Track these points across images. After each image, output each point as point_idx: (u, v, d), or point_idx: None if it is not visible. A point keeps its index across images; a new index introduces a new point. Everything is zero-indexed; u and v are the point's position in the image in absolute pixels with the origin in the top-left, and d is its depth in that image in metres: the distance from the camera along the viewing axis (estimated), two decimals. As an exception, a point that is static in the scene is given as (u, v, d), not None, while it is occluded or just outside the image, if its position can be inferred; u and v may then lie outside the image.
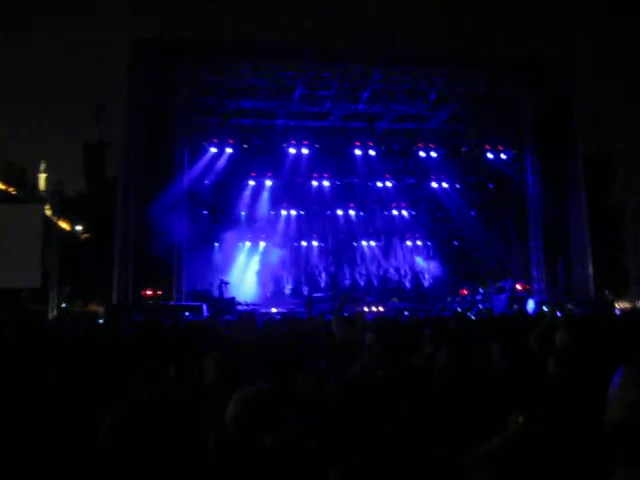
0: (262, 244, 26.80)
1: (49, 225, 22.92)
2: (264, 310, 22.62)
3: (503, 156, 24.86)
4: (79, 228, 28.53)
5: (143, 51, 20.64)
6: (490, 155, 24.99)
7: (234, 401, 2.80)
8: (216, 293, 22.82)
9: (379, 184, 26.57)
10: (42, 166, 48.02)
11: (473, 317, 17.09)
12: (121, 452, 1.97)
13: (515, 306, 20.48)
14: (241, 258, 26.34)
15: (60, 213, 24.60)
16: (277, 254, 26.52)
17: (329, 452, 2.39)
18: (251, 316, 11.32)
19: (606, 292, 25.81)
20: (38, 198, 33.56)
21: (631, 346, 4.72)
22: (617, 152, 26.11)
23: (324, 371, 3.33)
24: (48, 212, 24.08)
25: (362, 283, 27.44)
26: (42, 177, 47.41)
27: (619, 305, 23.13)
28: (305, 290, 26.45)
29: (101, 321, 15.27)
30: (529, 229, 23.57)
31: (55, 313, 20.90)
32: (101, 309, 20.77)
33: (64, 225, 27.22)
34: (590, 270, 22.43)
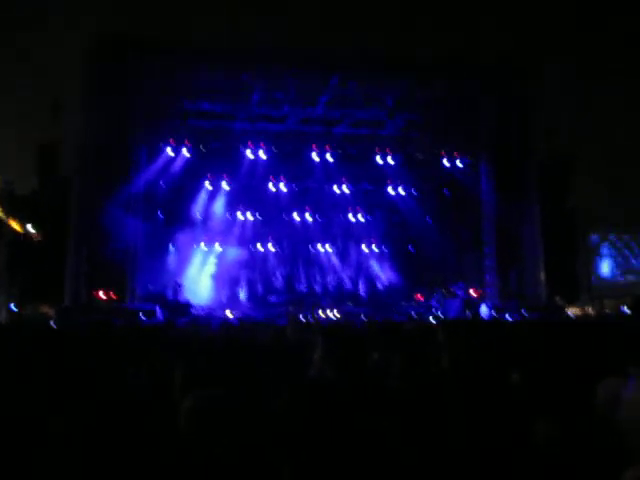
0: (217, 247, 26.66)
1: (-1, 225, 22.48)
2: (219, 313, 22.53)
3: (459, 163, 25.13)
4: (30, 228, 28.00)
5: (100, 48, 20.40)
6: (446, 162, 25.24)
7: (186, 403, 2.79)
8: (170, 296, 22.62)
9: (336, 189, 26.62)
10: (-7, 165, 46.98)
11: (432, 320, 17.30)
12: (79, 452, 1.95)
13: (468, 311, 20.76)
14: (196, 261, 26.15)
15: (11, 213, 24.13)
16: (234, 253, 26.37)
17: (281, 459, 2.39)
18: (206, 320, 11.28)
19: (557, 298, 26.28)
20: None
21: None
22: (571, 159, 26.58)
23: (276, 377, 3.34)
24: (-2, 212, 23.61)
25: (318, 287, 27.48)
26: (-7, 176, 46.34)
27: (570, 311, 23.58)
28: (260, 294, 26.41)
29: (52, 323, 15.02)
30: (483, 235, 23.92)
31: (4, 315, 20.50)
32: (52, 311, 20.44)
33: (15, 225, 26.70)
34: (542, 276, 22.86)
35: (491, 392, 3.45)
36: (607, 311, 24.09)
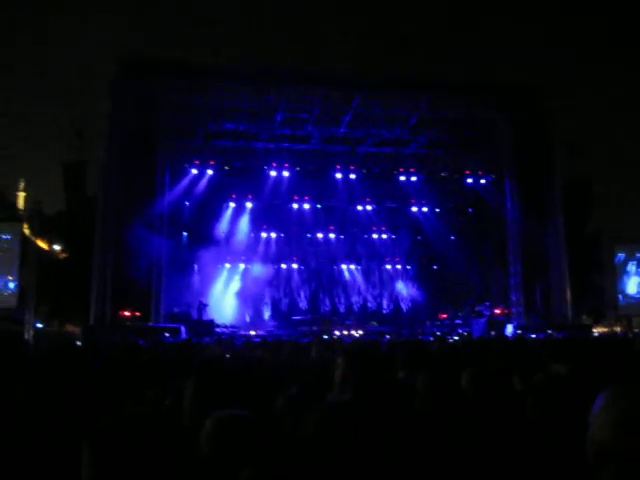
0: (242, 266, 26.74)
1: (27, 244, 22.74)
2: (243, 332, 22.56)
3: (482, 181, 25.06)
4: (57, 247, 28.33)
5: (126, 71, 20.67)
6: (470, 180, 25.18)
7: (208, 425, 2.79)
8: (195, 315, 22.68)
9: (359, 208, 26.68)
10: (21, 184, 47.65)
11: (457, 338, 17.15)
12: (98, 470, 1.96)
13: (492, 332, 20.56)
14: (220, 280, 26.23)
15: (39, 232, 24.45)
16: (258, 271, 26.41)
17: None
18: (230, 339, 11.29)
19: (584, 317, 26.00)
20: (17, 217, 33.30)
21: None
22: (596, 177, 26.41)
23: (298, 397, 3.34)
24: (26, 231, 23.91)
25: (342, 307, 27.45)
26: (21, 196, 46.99)
27: (597, 330, 23.31)
28: (284, 312, 26.43)
29: (78, 343, 15.13)
30: (508, 254, 23.74)
31: (31, 333, 20.68)
32: (78, 330, 20.59)
33: (42, 244, 27.04)
34: (568, 295, 22.61)
35: (505, 414, 3.43)
36: (636, 330, 23.71)
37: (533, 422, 3.30)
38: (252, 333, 22.43)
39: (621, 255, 26.69)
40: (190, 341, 14.47)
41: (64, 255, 28.17)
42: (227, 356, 8.82)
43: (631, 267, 26.53)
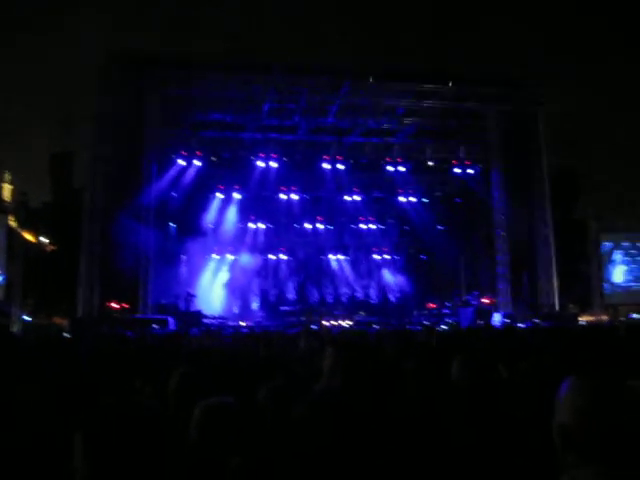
0: (229, 257, 26.70)
1: (13, 236, 22.62)
2: (231, 323, 22.55)
3: (470, 171, 25.10)
4: (44, 240, 28.17)
5: (113, 62, 20.55)
6: (457, 170, 25.22)
7: (197, 413, 2.79)
8: (183, 306, 22.65)
9: (347, 198, 26.65)
10: (7, 177, 47.22)
11: (445, 327, 17.22)
12: (92, 460, 1.95)
13: (480, 321, 20.65)
14: (208, 271, 26.19)
15: (25, 224, 24.29)
16: (247, 260, 26.38)
17: (294, 471, 2.39)
18: (218, 330, 11.28)
19: (570, 306, 26.14)
20: (2, 209, 33.04)
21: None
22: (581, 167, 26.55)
23: (285, 387, 3.34)
24: (12, 223, 23.77)
25: (330, 297, 27.46)
26: (7, 188, 46.57)
27: (583, 319, 23.45)
28: (272, 303, 26.42)
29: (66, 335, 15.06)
30: (495, 243, 23.86)
31: (18, 326, 20.60)
32: (66, 322, 20.51)
33: (29, 236, 26.88)
34: (555, 284, 22.75)
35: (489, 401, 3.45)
36: (622, 319, 23.88)
37: (518, 410, 3.32)
38: (242, 324, 22.41)
39: (607, 244, 26.86)
40: (178, 332, 14.46)
41: (51, 247, 28.01)
42: (214, 347, 8.82)
43: (617, 256, 26.72)
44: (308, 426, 2.33)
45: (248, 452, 2.66)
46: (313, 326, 19.54)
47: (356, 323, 23.03)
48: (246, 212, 26.39)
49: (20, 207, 24.52)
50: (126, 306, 20.36)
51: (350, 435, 2.28)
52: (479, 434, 3.09)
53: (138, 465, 1.92)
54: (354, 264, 28.39)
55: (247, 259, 26.45)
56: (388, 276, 28.32)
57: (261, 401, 3.15)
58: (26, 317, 23.29)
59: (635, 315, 24.59)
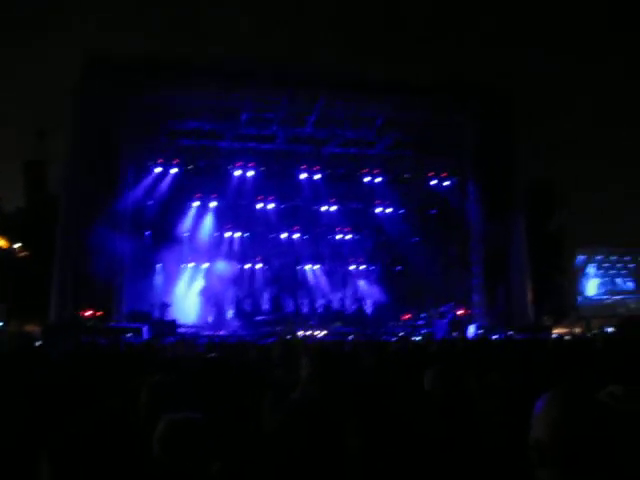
0: (205, 265, 26.60)
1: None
2: (206, 333, 22.41)
3: (446, 183, 25.27)
4: (17, 245, 27.84)
5: (88, 69, 20.39)
6: (433, 182, 25.38)
7: (160, 427, 2.75)
8: (157, 315, 22.49)
9: (324, 208, 26.70)
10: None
11: (419, 338, 17.26)
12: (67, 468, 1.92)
13: (455, 333, 20.73)
14: (183, 280, 26.05)
15: (-2, 230, 24.00)
16: (223, 267, 26.23)
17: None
18: (192, 339, 11.21)
19: (545, 318, 26.34)
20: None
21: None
22: (556, 179, 26.85)
23: (261, 396, 3.32)
24: (-15, 229, 23.46)
25: (305, 307, 27.43)
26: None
27: (557, 331, 23.62)
28: (247, 313, 26.32)
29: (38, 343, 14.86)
30: (470, 255, 23.98)
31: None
32: (38, 329, 20.25)
33: (2, 242, 26.57)
34: (529, 296, 22.90)
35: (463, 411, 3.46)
36: (595, 331, 24.12)
37: (484, 421, 3.34)
38: (218, 333, 22.29)
39: (581, 257, 27.20)
40: (151, 341, 14.34)
41: (24, 253, 27.68)
42: (188, 356, 8.75)
43: (591, 269, 27.06)
44: (285, 434, 2.32)
45: (227, 458, 2.62)
46: (288, 336, 19.47)
47: (331, 333, 22.98)
48: (222, 221, 26.32)
49: (-7, 213, 24.22)
50: (100, 314, 20.16)
51: (326, 443, 2.27)
52: (450, 442, 3.09)
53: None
54: (330, 274, 28.40)
55: (223, 266, 26.32)
56: (363, 286, 28.36)
57: (241, 409, 3.13)
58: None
59: (610, 329, 24.85)
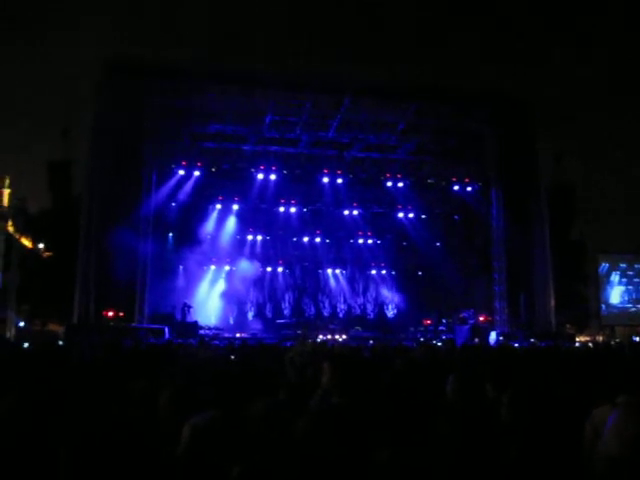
0: (227, 268, 26.67)
1: (10, 242, 22.55)
2: (227, 335, 22.47)
3: (469, 188, 25.13)
4: (41, 246, 28.06)
5: (113, 71, 20.49)
6: (456, 187, 25.26)
7: (184, 431, 2.76)
8: (179, 316, 22.59)
9: (346, 212, 26.66)
10: (6, 181, 47.15)
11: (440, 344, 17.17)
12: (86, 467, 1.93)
13: (476, 339, 20.60)
14: (205, 282, 26.14)
15: (23, 230, 24.23)
16: (246, 268, 26.23)
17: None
18: (212, 341, 11.24)
19: (567, 326, 26.07)
20: (0, 214, 32.97)
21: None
22: (580, 186, 26.59)
23: (281, 401, 3.31)
24: (10, 229, 23.71)
25: (326, 311, 27.41)
26: (5, 193, 46.49)
27: (580, 339, 23.39)
28: (268, 316, 26.37)
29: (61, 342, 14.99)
30: (493, 261, 23.79)
31: (13, 332, 20.51)
32: (61, 329, 20.40)
33: (26, 242, 26.81)
34: (552, 303, 22.66)
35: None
36: (618, 340, 23.85)
37: (506, 429, 3.31)
38: (236, 335, 22.36)
39: (605, 265, 26.88)
40: (172, 342, 14.40)
41: (48, 254, 27.88)
42: (209, 358, 8.77)
43: (614, 277, 26.73)
44: (310, 440, 2.32)
45: (249, 461, 2.63)
46: (309, 340, 19.45)
47: (352, 338, 22.93)
48: (244, 224, 26.37)
49: (18, 213, 24.43)
50: (122, 315, 20.27)
51: (350, 449, 2.27)
52: (467, 445, 3.07)
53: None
54: (351, 279, 28.35)
55: (246, 266, 26.32)
56: (385, 292, 28.28)
57: (258, 414, 3.12)
58: (21, 323, 23.19)
59: (637, 338, 24.55)
